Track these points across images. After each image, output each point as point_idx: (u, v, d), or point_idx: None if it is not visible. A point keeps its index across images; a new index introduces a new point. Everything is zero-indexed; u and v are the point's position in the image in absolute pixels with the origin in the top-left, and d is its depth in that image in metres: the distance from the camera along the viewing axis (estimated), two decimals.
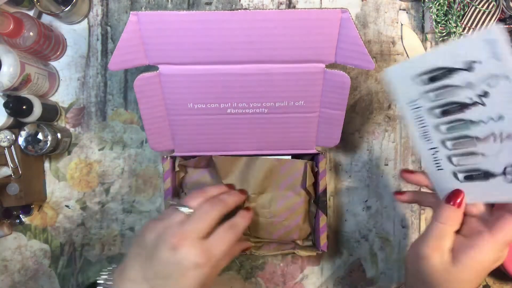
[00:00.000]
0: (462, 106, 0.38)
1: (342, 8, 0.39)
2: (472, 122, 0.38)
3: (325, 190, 0.51)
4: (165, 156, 0.50)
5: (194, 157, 0.52)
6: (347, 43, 0.41)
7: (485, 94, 0.36)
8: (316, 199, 0.52)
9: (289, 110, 0.47)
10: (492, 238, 0.36)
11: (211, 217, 0.41)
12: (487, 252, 0.36)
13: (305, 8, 0.39)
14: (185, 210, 0.41)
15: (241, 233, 0.44)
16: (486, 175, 0.39)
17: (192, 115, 0.47)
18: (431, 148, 0.41)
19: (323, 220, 0.51)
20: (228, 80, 0.44)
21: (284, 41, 0.41)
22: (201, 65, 0.43)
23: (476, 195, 0.40)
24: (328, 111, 0.48)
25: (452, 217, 0.38)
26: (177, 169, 0.53)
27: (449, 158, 0.40)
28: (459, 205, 0.39)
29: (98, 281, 0.40)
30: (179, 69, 0.43)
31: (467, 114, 0.38)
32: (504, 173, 0.38)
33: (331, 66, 0.44)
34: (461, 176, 0.40)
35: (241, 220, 0.44)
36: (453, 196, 0.39)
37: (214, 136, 0.50)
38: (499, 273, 0.59)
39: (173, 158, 0.52)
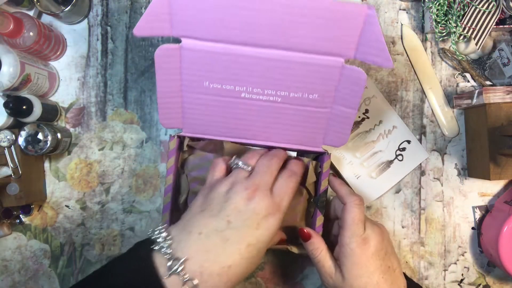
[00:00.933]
0: (357, 123, 0.57)
1: (369, 4, 0.40)
2: (366, 131, 0.57)
3: (326, 190, 0.51)
4: (172, 135, 0.50)
5: (202, 139, 0.52)
6: (369, 40, 0.41)
7: (367, 111, 0.57)
8: (316, 199, 0.52)
9: (302, 102, 0.47)
10: (346, 233, 0.45)
11: (273, 168, 0.44)
12: (352, 247, 0.44)
13: None
14: (247, 167, 0.44)
15: (300, 180, 0.46)
16: (388, 163, 0.57)
17: (206, 94, 0.47)
18: (348, 163, 0.57)
19: (319, 220, 0.50)
20: (247, 62, 0.44)
21: (307, 29, 0.41)
22: (223, 43, 0.43)
23: (390, 181, 0.57)
24: (341, 108, 0.48)
25: (313, 246, 0.47)
26: (185, 148, 0.53)
27: (362, 164, 0.57)
28: (308, 237, 0.47)
29: (155, 239, 0.38)
30: (201, 44, 0.43)
31: (361, 128, 0.57)
32: (396, 156, 0.57)
33: (346, 61, 0.44)
34: (374, 174, 0.57)
35: (296, 167, 0.46)
36: (301, 235, 0.48)
37: (225, 120, 0.50)
38: (499, 273, 0.59)
39: (180, 138, 0.52)
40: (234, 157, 0.47)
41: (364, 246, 0.44)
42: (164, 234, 0.38)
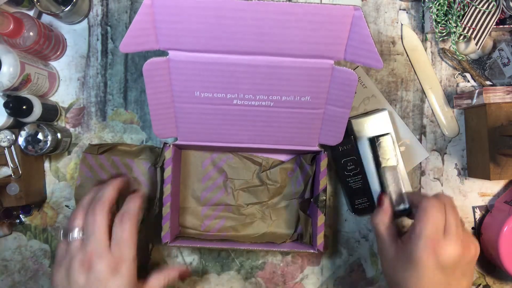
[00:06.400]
0: None
1: (356, 6, 0.40)
2: None
3: (325, 189, 0.51)
4: (168, 144, 0.50)
5: (201, 146, 0.53)
6: (357, 41, 0.41)
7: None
8: (315, 198, 0.52)
9: (295, 105, 0.47)
10: (417, 229, 0.42)
11: (100, 224, 0.41)
12: (418, 246, 0.42)
13: (311, 2, 0.40)
14: (75, 236, 0.41)
15: (138, 216, 0.43)
16: None
17: (198, 103, 0.47)
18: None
19: (321, 220, 0.50)
20: (236, 70, 0.44)
21: (295, 34, 0.41)
22: (211, 53, 0.43)
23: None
24: (334, 109, 0.48)
25: (377, 215, 0.48)
26: None
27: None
28: (379, 203, 0.50)
29: None
30: (188, 56, 0.43)
31: None
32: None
33: (337, 63, 0.44)
34: None
35: (132, 205, 0.44)
36: (379, 199, 0.51)
37: (219, 126, 0.50)
38: (499, 273, 0.59)
39: (176, 147, 0.52)
40: (61, 230, 0.44)
41: (433, 253, 0.40)
42: None
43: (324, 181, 0.51)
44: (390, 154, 0.52)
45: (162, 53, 0.43)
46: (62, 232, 0.43)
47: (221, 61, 0.43)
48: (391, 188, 0.52)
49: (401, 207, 0.52)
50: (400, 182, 0.52)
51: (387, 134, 0.52)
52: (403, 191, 0.52)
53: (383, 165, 0.52)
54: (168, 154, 0.50)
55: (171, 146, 0.50)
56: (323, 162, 0.51)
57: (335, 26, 0.41)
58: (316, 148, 0.52)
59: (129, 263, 0.41)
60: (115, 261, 0.40)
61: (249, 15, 0.40)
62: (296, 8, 0.39)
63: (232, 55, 0.43)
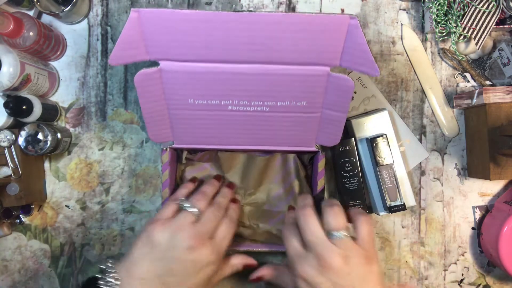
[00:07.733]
0: None
1: (351, 15, 0.39)
2: None
3: (323, 190, 0.51)
4: (165, 148, 0.51)
5: (197, 150, 0.53)
6: (353, 49, 0.41)
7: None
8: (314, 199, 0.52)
9: (290, 109, 0.47)
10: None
11: (219, 218, 0.46)
12: None
13: (305, 12, 0.39)
14: (195, 211, 0.45)
15: (237, 223, 0.50)
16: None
17: (193, 110, 0.47)
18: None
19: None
20: (230, 78, 0.44)
21: (289, 43, 0.41)
22: (202, 63, 0.42)
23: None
24: (330, 113, 0.47)
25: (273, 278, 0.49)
26: (183, 161, 0.54)
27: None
28: (258, 278, 0.50)
29: (104, 278, 0.40)
30: (180, 65, 0.43)
31: None
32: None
33: (333, 68, 0.44)
34: None
35: (234, 213, 0.50)
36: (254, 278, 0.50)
37: (214, 131, 0.50)
38: (499, 273, 0.59)
39: (173, 150, 0.52)
40: (182, 199, 0.47)
41: (318, 272, 0.41)
42: (110, 275, 0.41)
43: (322, 182, 0.51)
44: (386, 153, 0.52)
45: (154, 62, 0.43)
46: (182, 202, 0.46)
47: (214, 70, 0.43)
48: (387, 185, 0.52)
49: (397, 202, 0.52)
50: (396, 179, 0.52)
51: (383, 135, 0.52)
52: (399, 187, 0.52)
53: (379, 164, 0.52)
54: (165, 158, 0.50)
55: (167, 149, 0.50)
56: (321, 163, 0.51)
57: (330, 35, 0.40)
58: (313, 148, 0.52)
59: (219, 260, 0.45)
60: (214, 254, 0.44)
61: (240, 26, 0.39)
62: (290, 18, 0.39)
63: (224, 64, 0.42)
